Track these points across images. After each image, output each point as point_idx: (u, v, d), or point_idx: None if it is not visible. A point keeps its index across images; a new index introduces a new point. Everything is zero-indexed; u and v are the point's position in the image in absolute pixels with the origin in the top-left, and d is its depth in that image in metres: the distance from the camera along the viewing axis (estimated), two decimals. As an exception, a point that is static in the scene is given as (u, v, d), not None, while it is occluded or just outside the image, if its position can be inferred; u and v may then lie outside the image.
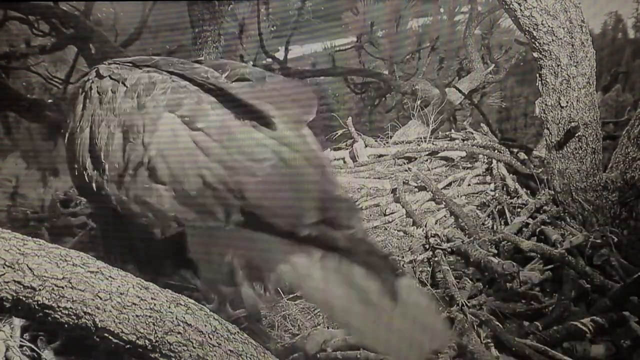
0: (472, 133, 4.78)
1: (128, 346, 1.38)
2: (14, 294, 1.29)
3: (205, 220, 1.47)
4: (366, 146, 4.43)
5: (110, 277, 1.39)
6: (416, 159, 4.20)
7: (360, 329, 1.44)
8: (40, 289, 1.30)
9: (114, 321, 1.36)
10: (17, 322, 2.09)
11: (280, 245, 1.44)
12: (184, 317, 1.43)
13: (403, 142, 4.61)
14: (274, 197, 1.44)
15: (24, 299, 1.29)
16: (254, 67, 1.76)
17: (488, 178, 3.79)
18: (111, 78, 1.60)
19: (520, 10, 2.81)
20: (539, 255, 2.58)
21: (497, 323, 2.06)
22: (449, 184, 3.75)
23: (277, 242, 1.44)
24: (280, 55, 6.03)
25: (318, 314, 2.47)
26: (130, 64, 1.65)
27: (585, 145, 2.96)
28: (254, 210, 1.43)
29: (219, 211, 1.45)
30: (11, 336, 2.06)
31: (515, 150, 4.04)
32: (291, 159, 1.47)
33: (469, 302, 2.23)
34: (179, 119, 1.48)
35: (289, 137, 1.51)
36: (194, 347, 1.42)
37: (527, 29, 2.85)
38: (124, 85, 1.57)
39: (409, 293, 1.42)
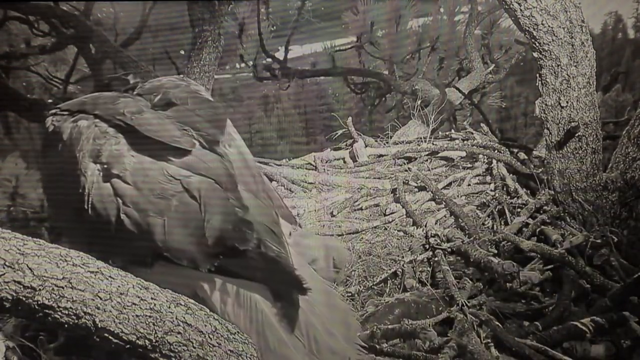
0: (472, 133, 4.78)
1: (128, 346, 1.38)
2: (14, 294, 1.28)
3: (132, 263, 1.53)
4: (366, 146, 4.43)
5: (110, 277, 1.39)
6: (416, 159, 4.20)
7: (264, 350, 1.51)
8: (40, 289, 1.30)
9: (114, 321, 1.36)
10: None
11: (185, 279, 1.52)
12: (184, 317, 1.43)
13: (403, 142, 4.61)
14: (179, 237, 1.49)
15: (24, 299, 1.29)
16: (185, 83, 1.81)
17: (488, 178, 3.79)
18: (54, 131, 1.69)
19: (520, 10, 2.81)
20: (539, 255, 2.58)
21: (497, 323, 2.06)
22: (449, 184, 3.76)
23: (184, 275, 1.53)
24: (280, 55, 6.04)
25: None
26: (67, 112, 1.71)
27: (585, 145, 2.96)
28: (161, 252, 1.50)
29: (138, 254, 1.53)
30: (11, 336, 2.06)
31: (515, 150, 4.04)
32: (201, 188, 1.51)
33: (469, 302, 2.23)
34: (99, 166, 1.57)
35: (205, 161, 1.56)
36: (194, 347, 1.42)
37: (527, 29, 2.85)
38: (63, 137, 1.66)
39: (314, 308, 1.52)
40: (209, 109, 1.66)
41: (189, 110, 1.64)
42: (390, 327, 2.01)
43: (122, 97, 1.71)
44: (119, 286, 1.38)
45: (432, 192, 3.56)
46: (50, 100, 5.49)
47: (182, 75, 1.93)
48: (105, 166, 1.56)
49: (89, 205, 1.55)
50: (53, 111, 1.73)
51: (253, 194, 1.57)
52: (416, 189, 3.72)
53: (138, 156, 1.55)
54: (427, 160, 4.18)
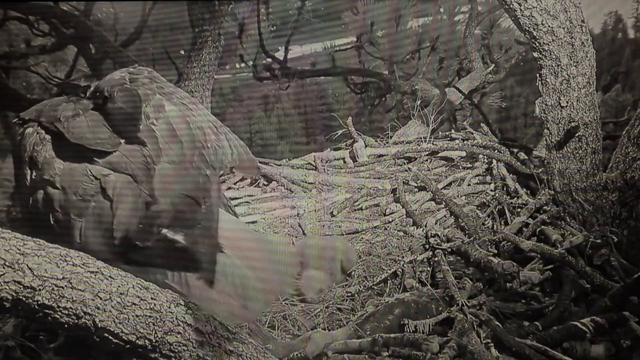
0: (472, 133, 4.79)
1: (128, 346, 1.38)
2: (14, 294, 1.28)
3: None
4: (366, 146, 4.44)
5: (110, 277, 1.39)
6: (416, 159, 4.20)
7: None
8: (40, 289, 1.30)
9: (114, 321, 1.36)
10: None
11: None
12: (184, 317, 1.43)
13: (403, 142, 4.61)
14: (92, 238, 1.54)
15: (24, 299, 1.29)
16: (121, 75, 1.83)
17: (488, 178, 3.80)
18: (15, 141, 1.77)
19: (520, 10, 2.81)
20: (539, 255, 2.58)
21: (497, 323, 2.06)
22: (449, 184, 3.76)
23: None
24: (280, 55, 6.04)
25: (317, 314, 2.48)
26: (22, 121, 1.79)
27: (585, 145, 2.96)
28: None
29: None
30: (11, 336, 2.06)
31: (515, 150, 4.04)
32: (116, 186, 1.56)
33: (469, 302, 2.22)
34: (34, 172, 1.64)
35: (127, 156, 1.59)
36: (194, 347, 1.42)
37: (527, 29, 2.85)
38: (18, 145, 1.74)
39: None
40: (127, 97, 1.68)
41: (115, 104, 1.68)
42: (392, 336, 2.01)
43: (64, 102, 1.76)
44: (119, 286, 1.38)
45: (432, 192, 3.56)
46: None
47: (135, 66, 1.95)
48: (40, 172, 1.63)
49: (29, 210, 1.64)
50: (14, 120, 1.81)
51: (176, 164, 1.60)
52: (416, 189, 3.72)
53: (68, 161, 1.61)
54: (427, 160, 4.19)
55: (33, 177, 1.65)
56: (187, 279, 1.51)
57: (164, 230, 1.47)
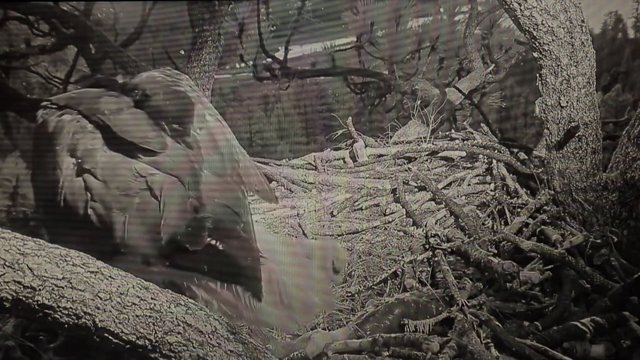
0: (472, 133, 4.78)
1: (128, 346, 1.38)
2: (14, 294, 1.28)
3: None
4: (366, 146, 4.43)
5: (110, 277, 1.39)
6: (416, 159, 4.20)
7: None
8: (40, 289, 1.30)
9: (114, 321, 1.36)
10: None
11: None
12: (184, 317, 1.43)
13: (403, 142, 4.61)
14: (136, 234, 1.53)
15: (24, 299, 1.29)
16: (163, 76, 1.83)
17: (488, 178, 3.80)
18: (41, 124, 1.73)
19: (520, 10, 2.81)
20: (539, 255, 2.58)
21: (497, 323, 2.06)
22: (449, 184, 3.76)
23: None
24: (280, 55, 6.04)
25: (318, 314, 2.48)
26: (56, 106, 1.75)
27: (585, 145, 2.96)
28: (119, 248, 1.54)
29: (98, 249, 1.55)
30: (11, 336, 2.06)
31: (515, 150, 4.04)
32: (163, 186, 1.55)
33: (469, 302, 2.22)
34: (74, 160, 1.62)
35: (172, 158, 1.59)
36: (194, 347, 1.42)
37: (527, 29, 2.85)
38: (48, 130, 1.70)
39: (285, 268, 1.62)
40: (177, 100, 1.68)
41: (161, 104, 1.67)
42: (393, 336, 2.01)
43: (105, 95, 1.74)
44: (119, 286, 1.38)
45: (432, 192, 3.56)
46: (50, 100, 5.48)
47: (167, 68, 1.94)
48: (79, 161, 1.60)
49: (61, 198, 1.59)
50: (44, 104, 1.76)
51: (218, 175, 1.60)
52: (416, 189, 3.72)
53: (111, 153, 1.59)
54: (427, 160, 4.18)
55: (72, 166, 1.61)
56: (237, 289, 1.51)
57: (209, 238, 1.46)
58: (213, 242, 1.45)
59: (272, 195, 1.86)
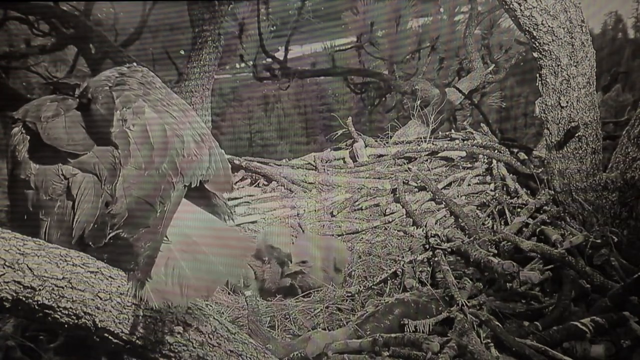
0: (472, 133, 4.78)
1: (128, 346, 1.38)
2: (14, 294, 1.28)
3: None
4: (366, 146, 4.43)
5: (110, 277, 1.39)
6: (416, 159, 4.20)
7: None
8: (40, 289, 1.30)
9: (114, 321, 1.36)
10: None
11: None
12: (184, 317, 1.43)
13: (403, 142, 4.61)
14: (54, 237, 1.55)
15: (24, 299, 1.29)
16: (106, 76, 1.85)
17: (488, 178, 3.80)
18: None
19: (520, 10, 2.81)
20: (539, 255, 2.58)
21: (497, 323, 2.06)
22: (449, 184, 3.76)
23: None
24: (280, 55, 6.04)
25: (317, 314, 2.48)
26: (12, 119, 1.83)
27: (585, 145, 2.96)
28: None
29: None
30: (11, 336, 2.06)
31: (515, 150, 4.04)
32: (82, 186, 1.57)
33: (469, 302, 2.22)
34: (15, 171, 1.69)
35: (97, 156, 1.62)
36: (194, 347, 1.42)
37: (527, 29, 2.85)
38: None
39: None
40: (104, 100, 1.70)
41: (96, 107, 1.70)
42: (393, 335, 2.01)
43: (50, 101, 1.77)
44: (119, 286, 1.38)
45: (432, 192, 3.56)
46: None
47: (127, 65, 1.97)
48: (18, 171, 1.66)
49: (9, 210, 1.67)
50: (8, 119, 1.87)
51: (142, 169, 1.59)
52: (416, 189, 3.72)
53: (42, 159, 1.64)
54: (427, 160, 4.18)
55: (13, 175, 1.68)
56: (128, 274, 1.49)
57: (115, 232, 1.47)
58: (122, 234, 1.47)
59: (228, 186, 1.84)
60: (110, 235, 1.45)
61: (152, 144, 1.64)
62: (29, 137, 1.69)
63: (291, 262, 2.75)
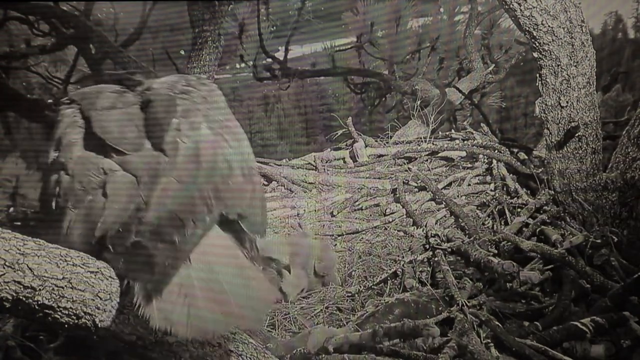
0: (472, 133, 4.79)
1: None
2: (14, 294, 1.28)
3: None
4: (366, 146, 4.44)
5: (110, 277, 1.39)
6: (416, 159, 4.20)
7: None
8: (40, 289, 1.30)
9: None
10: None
11: None
12: (184, 317, 1.42)
13: (403, 142, 4.61)
14: (77, 231, 1.50)
15: (24, 299, 1.29)
16: (170, 83, 1.79)
17: (488, 178, 3.80)
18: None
19: (520, 10, 2.81)
20: (539, 255, 2.58)
21: (497, 323, 2.06)
22: (449, 184, 3.76)
23: None
24: (280, 55, 6.04)
25: (317, 314, 2.48)
26: (69, 101, 1.78)
27: (585, 145, 2.96)
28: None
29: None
30: (11, 336, 2.06)
31: (515, 150, 4.04)
32: (117, 185, 1.52)
33: (469, 302, 2.22)
34: (56, 154, 1.65)
35: (142, 158, 1.56)
36: (194, 347, 1.42)
37: (527, 29, 2.85)
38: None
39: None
40: (165, 106, 1.66)
41: (155, 110, 1.65)
42: (392, 325, 2.01)
43: (109, 91, 1.73)
44: (119, 286, 1.38)
45: (432, 192, 3.56)
46: (50, 101, 5.49)
47: (201, 77, 1.93)
48: (59, 154, 1.61)
49: (41, 191, 1.60)
50: (61, 99, 1.79)
51: (184, 182, 1.51)
52: (416, 189, 3.72)
53: (87, 149, 1.59)
54: (427, 160, 4.19)
55: (54, 158, 1.61)
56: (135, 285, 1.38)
57: (139, 239, 1.38)
58: (144, 244, 1.38)
59: (262, 229, 1.74)
60: (133, 241, 1.38)
61: (201, 162, 1.57)
62: (79, 122, 1.64)
63: (290, 273, 2.71)
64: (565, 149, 2.99)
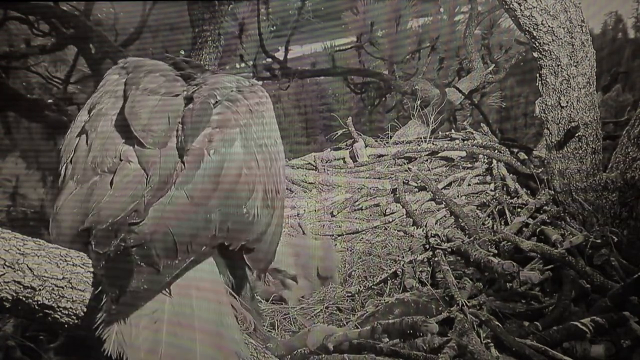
0: (472, 133, 4.78)
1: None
2: (14, 294, 1.28)
3: None
4: (366, 146, 4.43)
5: (110, 277, 1.38)
6: (416, 159, 4.20)
7: None
8: (40, 289, 1.30)
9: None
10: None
11: None
12: (184, 317, 1.42)
13: (403, 142, 4.61)
14: (68, 210, 1.46)
15: (24, 299, 1.29)
16: (221, 85, 1.67)
17: (488, 178, 3.79)
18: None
19: (520, 10, 2.81)
20: (539, 255, 2.58)
21: (497, 323, 2.06)
22: (449, 184, 3.76)
23: None
24: (280, 55, 6.04)
25: (317, 314, 2.48)
26: (123, 64, 1.78)
27: (585, 145, 2.96)
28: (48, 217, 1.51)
29: None
30: (11, 336, 2.06)
31: (515, 150, 4.04)
32: (126, 176, 1.42)
33: (469, 302, 2.22)
34: (87, 117, 1.62)
35: (160, 156, 1.44)
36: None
37: (527, 29, 2.85)
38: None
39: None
40: (201, 112, 1.52)
41: (194, 110, 1.53)
42: (391, 321, 2.01)
43: (161, 75, 1.62)
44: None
45: (432, 192, 3.56)
46: (50, 100, 5.50)
47: (256, 84, 1.79)
48: (87, 119, 1.56)
49: (62, 151, 1.55)
50: (120, 61, 1.78)
51: (194, 199, 1.36)
52: (416, 189, 3.72)
53: (113, 125, 1.50)
54: (427, 160, 4.18)
55: (82, 122, 1.54)
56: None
57: (122, 245, 1.25)
58: (127, 254, 1.23)
59: (263, 266, 1.59)
60: (115, 244, 1.24)
61: (219, 183, 1.41)
62: (119, 93, 1.55)
63: (297, 283, 2.68)
64: (565, 149, 2.99)
